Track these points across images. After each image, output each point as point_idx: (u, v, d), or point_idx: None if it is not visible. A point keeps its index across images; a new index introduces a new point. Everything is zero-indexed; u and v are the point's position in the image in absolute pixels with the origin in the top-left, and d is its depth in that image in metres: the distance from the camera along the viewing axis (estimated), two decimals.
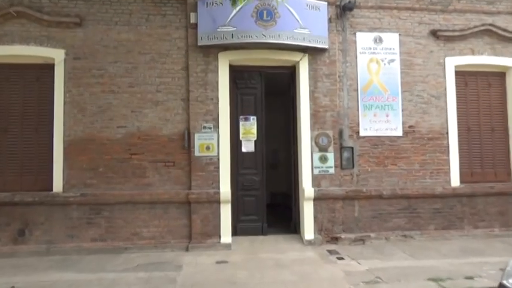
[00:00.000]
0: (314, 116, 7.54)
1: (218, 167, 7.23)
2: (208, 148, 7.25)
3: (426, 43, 8.02)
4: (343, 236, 7.38)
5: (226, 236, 7.13)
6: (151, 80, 7.31)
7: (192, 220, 7.12)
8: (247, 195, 7.61)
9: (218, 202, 7.15)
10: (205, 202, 7.13)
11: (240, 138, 7.65)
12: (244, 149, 7.65)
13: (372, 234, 7.53)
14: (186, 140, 7.21)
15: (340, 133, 7.60)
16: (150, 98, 7.29)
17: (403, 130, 7.83)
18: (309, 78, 7.58)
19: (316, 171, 7.43)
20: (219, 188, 7.18)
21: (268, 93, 8.02)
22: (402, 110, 7.86)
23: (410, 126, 7.87)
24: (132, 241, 7.03)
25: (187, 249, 6.98)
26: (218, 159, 7.25)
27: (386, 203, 7.64)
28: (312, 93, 7.56)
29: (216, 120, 7.31)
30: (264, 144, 7.75)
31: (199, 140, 7.24)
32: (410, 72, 7.95)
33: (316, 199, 7.35)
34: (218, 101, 7.33)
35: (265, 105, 7.85)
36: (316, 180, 7.42)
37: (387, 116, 7.80)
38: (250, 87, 7.76)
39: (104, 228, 7.02)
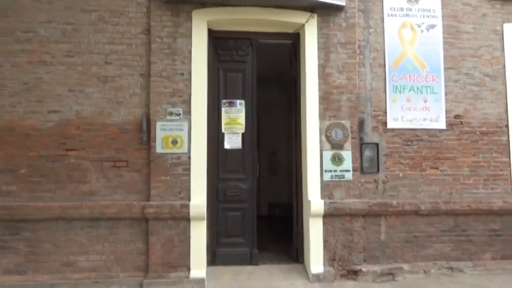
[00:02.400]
0: (325, 100, 5.30)
1: (189, 169, 5.01)
2: (175, 143, 5.03)
3: (478, 4, 5.76)
4: (364, 269, 5.10)
5: (198, 268, 4.89)
6: (99, 48, 5.13)
7: (150, 244, 4.89)
8: (230, 208, 5.37)
9: (187, 219, 4.92)
10: (168, 219, 4.90)
11: (222, 131, 5.42)
12: (227, 145, 5.42)
13: (405, 266, 5.24)
14: (144, 131, 5.01)
15: (361, 124, 5.34)
16: (96, 72, 5.10)
17: (446, 121, 5.56)
18: (319, 48, 5.35)
19: (327, 177, 5.18)
20: (189, 199, 4.96)
21: (262, 69, 5.81)
22: (446, 94, 5.59)
23: (456, 116, 5.59)
24: (64, 274, 4.81)
25: (141, 287, 4.74)
26: (189, 158, 5.03)
27: (425, 221, 5.35)
28: (322, 68, 5.32)
29: (187, 103, 5.10)
30: (255, 138, 5.51)
31: (162, 131, 5.03)
32: (457, 42, 5.68)
33: (327, 216, 5.09)
34: (191, 77, 5.13)
35: (259, 86, 5.64)
36: (326, 189, 5.17)
37: (425, 101, 5.53)
38: (238, 61, 5.54)
39: (23, 255, 4.82)
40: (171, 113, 5.06)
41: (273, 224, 8.12)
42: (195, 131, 5.08)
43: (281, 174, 8.68)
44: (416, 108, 5.51)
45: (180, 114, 5.08)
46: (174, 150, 5.03)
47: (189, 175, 5.00)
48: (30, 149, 4.95)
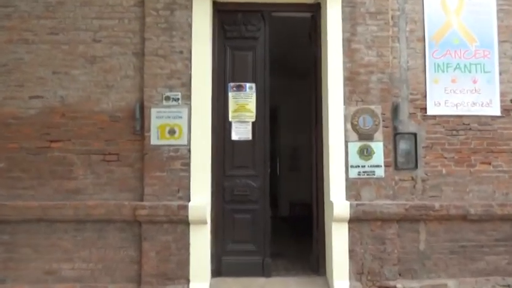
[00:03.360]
0: (351, 81, 4.37)
1: (189, 164, 4.22)
2: (172, 132, 4.25)
3: None
4: (399, 285, 4.17)
5: (199, 280, 4.12)
6: (86, 24, 4.41)
7: (143, 252, 4.14)
8: (238, 210, 4.54)
9: (186, 222, 4.13)
10: (164, 222, 4.13)
11: (229, 119, 4.59)
12: (235, 136, 4.58)
13: (450, 283, 4.27)
14: (137, 119, 4.26)
15: (395, 110, 4.39)
16: (83, 51, 4.39)
17: (501, 106, 4.52)
18: (343, 19, 4.43)
19: (353, 173, 4.27)
20: (188, 199, 4.17)
21: (278, 48, 4.95)
22: (500, 73, 4.54)
23: None
24: (46, 284, 4.14)
25: None
26: (189, 150, 4.24)
27: (475, 228, 4.35)
28: (347, 43, 4.40)
29: (186, 87, 4.31)
30: (268, 128, 4.65)
31: (158, 119, 4.27)
32: None
33: (354, 220, 4.18)
34: (191, 56, 4.33)
35: (274, 68, 4.79)
36: (353, 188, 4.26)
37: (475, 82, 4.51)
38: (247, 38, 4.69)
39: (0, 261, 4.17)
40: (168, 98, 4.28)
41: (294, 226, 7.27)
42: (196, 119, 4.28)
43: (303, 170, 7.76)
44: (463, 90, 4.50)
45: (178, 99, 4.29)
46: (172, 141, 4.26)
47: (188, 171, 4.22)
48: (10, 140, 4.30)
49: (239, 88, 4.62)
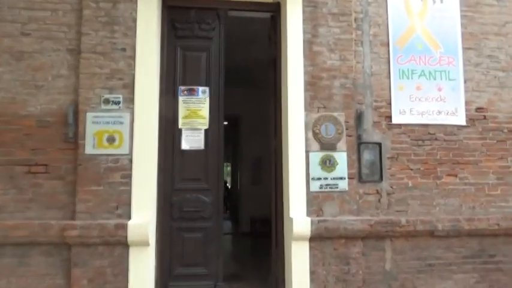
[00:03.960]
0: (312, 86, 4.01)
1: (130, 177, 3.67)
2: (112, 140, 3.70)
3: None
4: None
5: None
6: (13, 14, 3.80)
7: (73, 279, 3.52)
8: (188, 229, 4.02)
9: (126, 244, 3.55)
10: (99, 244, 3.54)
11: (179, 126, 4.09)
12: (185, 145, 4.08)
13: None
14: (70, 125, 3.67)
15: (358, 118, 4.06)
16: (9, 46, 3.78)
17: (467, 115, 4.31)
18: (304, 19, 4.09)
19: (314, 186, 3.87)
20: (129, 217, 3.61)
21: (234, 50, 4.53)
22: (465, 81, 4.34)
23: (479, 109, 4.34)
24: None
25: None
26: (131, 161, 3.69)
27: (443, 245, 4.06)
28: (308, 45, 4.05)
29: (129, 88, 3.78)
30: (222, 137, 4.18)
31: (95, 125, 3.70)
32: (477, 17, 4.47)
33: (315, 238, 3.77)
34: (135, 54, 3.82)
35: (231, 72, 4.37)
36: (314, 202, 3.86)
37: (440, 90, 4.28)
38: (201, 37, 4.24)
39: None
40: (107, 101, 3.73)
41: (255, 243, 6.79)
42: (139, 125, 3.75)
43: (266, 183, 7.34)
44: (428, 98, 4.25)
45: (119, 102, 3.75)
46: (111, 150, 3.70)
47: (130, 184, 3.66)
48: None
49: (191, 92, 4.14)
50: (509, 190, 4.28)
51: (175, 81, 4.15)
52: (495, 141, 4.32)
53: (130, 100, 3.76)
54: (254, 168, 8.33)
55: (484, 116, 4.34)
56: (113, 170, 3.66)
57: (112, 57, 3.78)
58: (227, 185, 15.56)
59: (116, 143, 3.70)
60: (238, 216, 8.69)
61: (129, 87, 3.78)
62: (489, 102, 4.36)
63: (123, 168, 3.68)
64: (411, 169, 4.16)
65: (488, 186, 4.25)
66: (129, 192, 3.65)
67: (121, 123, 3.73)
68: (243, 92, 7.35)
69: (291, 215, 3.81)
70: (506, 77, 4.42)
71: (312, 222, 3.74)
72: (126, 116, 3.74)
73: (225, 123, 9.84)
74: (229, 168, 14.56)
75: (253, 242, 6.82)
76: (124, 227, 3.52)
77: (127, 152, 3.71)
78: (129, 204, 3.64)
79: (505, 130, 4.35)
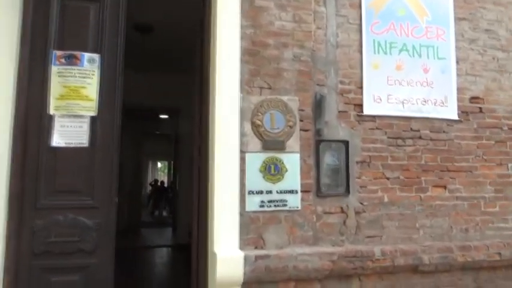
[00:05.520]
0: (253, 56, 2.69)
1: None
2: None
3: None
4: None
5: None
6: None
7: None
8: (59, 269, 2.55)
9: None
10: None
11: (50, 111, 2.62)
12: (59, 140, 2.63)
13: None
14: None
15: (318, 105, 2.78)
16: None
17: (458, 107, 3.16)
18: None
19: (252, 204, 2.56)
20: None
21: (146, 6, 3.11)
22: (457, 62, 3.21)
23: (474, 100, 3.22)
24: None
25: None
26: None
27: (430, 283, 2.86)
28: None
29: None
30: (119, 128, 2.75)
31: None
32: None
33: (251, 284, 2.43)
34: None
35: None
36: (252, 227, 2.55)
37: (426, 71, 3.11)
38: None
39: None
40: None
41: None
42: None
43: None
44: (411, 81, 3.07)
45: None
46: None
47: None
48: None
49: (71, 60, 2.69)
50: (510, 206, 3.18)
51: (47, 43, 2.67)
52: (493, 142, 3.22)
53: None
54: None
55: (480, 109, 3.23)
56: None
57: None
58: (164, 185, 14.19)
59: None
60: (175, 226, 7.26)
61: None
62: (486, 90, 3.26)
63: None
64: (387, 178, 2.96)
65: (485, 200, 3.14)
66: None
67: None
68: (182, 81, 5.96)
69: (215, 248, 2.46)
70: (506, 59, 3.34)
71: (246, 259, 2.42)
72: None
73: (165, 116, 8.48)
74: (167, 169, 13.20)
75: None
76: None
77: None
78: None
79: (505, 128, 3.27)
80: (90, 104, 2.70)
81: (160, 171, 21.64)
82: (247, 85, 2.65)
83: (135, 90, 5.90)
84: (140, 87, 5.82)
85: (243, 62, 2.66)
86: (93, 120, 2.69)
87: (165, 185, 14.61)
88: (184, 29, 4.07)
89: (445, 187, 3.07)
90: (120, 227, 7.35)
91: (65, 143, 2.63)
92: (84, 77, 2.70)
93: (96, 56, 2.73)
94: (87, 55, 2.72)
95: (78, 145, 2.66)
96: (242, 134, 2.60)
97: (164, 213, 12.59)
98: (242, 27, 2.69)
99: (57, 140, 2.62)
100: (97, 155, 2.69)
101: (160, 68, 5.86)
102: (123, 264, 5.35)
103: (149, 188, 15.36)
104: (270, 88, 2.69)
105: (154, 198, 13.52)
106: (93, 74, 2.71)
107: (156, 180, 15.56)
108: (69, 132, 2.65)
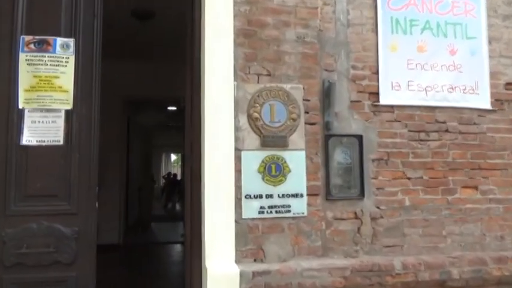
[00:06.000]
0: (249, 37, 2.30)
1: None
2: None
3: None
4: None
5: None
6: None
7: None
8: (32, 284, 2.22)
9: None
10: None
11: (20, 105, 2.28)
12: (29, 138, 2.29)
13: None
14: None
15: (327, 94, 2.37)
16: None
17: (491, 95, 2.69)
18: None
19: (249, 210, 2.18)
20: None
21: None
22: (490, 42, 2.74)
23: (509, 85, 2.75)
24: None
25: None
26: None
27: None
28: None
29: None
30: (98, 124, 2.40)
31: None
32: None
33: None
34: None
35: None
36: (249, 238, 2.17)
37: (453, 53, 2.66)
38: None
39: None
40: None
41: None
42: None
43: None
44: (436, 65, 2.62)
45: None
46: None
47: None
48: None
49: (41, 46, 2.35)
50: None
51: (13, 28, 2.33)
52: None
53: None
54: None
55: None
56: None
57: None
58: (177, 178, 13.94)
59: None
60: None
61: None
62: None
63: None
64: (409, 178, 2.53)
65: None
66: None
67: None
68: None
69: (207, 262, 2.10)
70: None
71: (242, 276, 2.05)
72: None
73: (173, 108, 8.09)
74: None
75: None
76: None
77: None
78: None
79: None
80: (65, 96, 2.36)
81: (174, 163, 21.49)
82: (242, 71, 2.26)
83: (141, 81, 5.57)
84: (146, 78, 5.47)
85: (237, 44, 2.27)
86: (68, 114, 2.35)
87: (178, 177, 14.38)
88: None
89: (476, 188, 2.63)
90: (129, 222, 7.08)
91: (37, 141, 2.30)
92: (57, 65, 2.36)
93: (70, 41, 2.39)
94: (60, 40, 2.38)
95: (52, 143, 2.32)
96: (237, 129, 2.22)
97: (177, 207, 12.33)
98: (236, 3, 2.30)
99: (28, 137, 2.29)
100: (74, 154, 2.35)
101: (165, 57, 5.49)
102: (128, 263, 5.07)
103: (162, 181, 15.21)
104: (269, 75, 2.30)
105: (167, 191, 13.33)
106: (67, 62, 2.37)
107: (169, 173, 15.42)
108: (41, 128, 2.32)
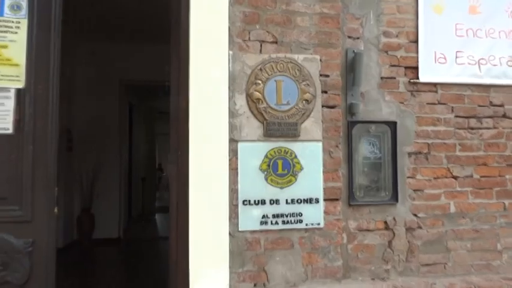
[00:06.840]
0: None
1: None
2: None
3: None
4: None
5: None
6: None
7: None
8: None
9: None
10: None
11: None
12: None
13: None
14: None
15: (351, 67, 1.77)
16: None
17: None
18: None
19: (248, 220, 1.64)
20: None
21: None
22: None
23: None
24: None
25: None
26: None
27: None
28: None
29: None
30: (57, 108, 1.86)
31: None
32: None
33: None
34: None
35: None
36: (249, 255, 1.63)
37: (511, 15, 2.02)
38: None
39: None
40: None
41: None
42: None
43: None
44: (492, 31, 2.01)
45: None
46: None
47: None
48: None
49: None
50: None
51: None
52: None
53: None
54: None
55: None
56: None
57: None
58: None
59: None
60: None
61: None
62: None
63: None
64: (455, 177, 1.96)
65: None
66: None
67: None
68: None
69: (193, 285, 1.57)
70: None
71: None
72: None
73: None
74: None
75: None
76: None
77: None
78: None
79: None
80: (15, 70, 1.84)
81: None
82: (240, 38, 1.70)
83: (140, 64, 4.87)
84: (147, 61, 4.73)
85: (233, 1, 1.69)
86: (20, 95, 1.83)
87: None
88: None
89: None
90: (133, 214, 6.65)
91: None
92: (4, 31, 1.84)
93: (22, 2, 1.85)
94: (8, 1, 1.84)
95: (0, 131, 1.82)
96: (233, 114, 1.67)
97: None
98: None
99: None
100: (27, 145, 1.84)
101: (165, 38, 4.86)
102: (127, 259, 4.69)
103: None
104: (275, 42, 1.73)
105: None
106: (17, 27, 1.85)
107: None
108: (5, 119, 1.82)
